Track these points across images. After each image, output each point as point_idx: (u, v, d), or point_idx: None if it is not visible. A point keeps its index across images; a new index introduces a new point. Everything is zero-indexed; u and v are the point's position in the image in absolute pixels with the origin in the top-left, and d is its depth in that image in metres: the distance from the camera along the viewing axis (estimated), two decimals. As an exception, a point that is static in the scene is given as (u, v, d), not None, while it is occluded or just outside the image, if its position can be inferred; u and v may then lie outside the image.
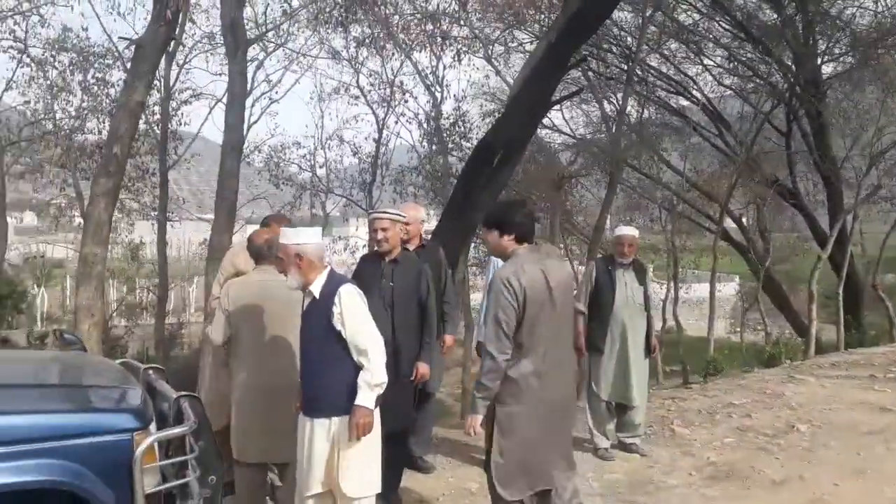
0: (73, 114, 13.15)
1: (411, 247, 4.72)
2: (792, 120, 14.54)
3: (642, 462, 5.32)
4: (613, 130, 11.75)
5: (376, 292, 4.28)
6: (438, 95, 14.35)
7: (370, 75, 14.89)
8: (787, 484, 4.76)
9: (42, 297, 16.96)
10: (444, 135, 13.70)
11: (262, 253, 3.83)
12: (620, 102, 12.55)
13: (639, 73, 13.36)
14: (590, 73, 12.50)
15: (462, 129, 13.95)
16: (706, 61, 15.31)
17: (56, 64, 12.87)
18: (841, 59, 14.04)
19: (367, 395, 3.14)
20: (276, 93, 15.90)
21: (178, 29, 10.47)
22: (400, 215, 4.43)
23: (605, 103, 13.83)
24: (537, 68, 6.07)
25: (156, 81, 13.44)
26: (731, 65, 15.46)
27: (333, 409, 3.20)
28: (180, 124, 14.58)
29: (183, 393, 2.77)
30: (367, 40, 13.10)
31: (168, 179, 13.93)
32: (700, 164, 15.80)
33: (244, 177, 17.67)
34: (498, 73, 13.43)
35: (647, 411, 5.84)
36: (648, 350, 5.48)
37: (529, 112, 6.16)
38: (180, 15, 6.13)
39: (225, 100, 9.08)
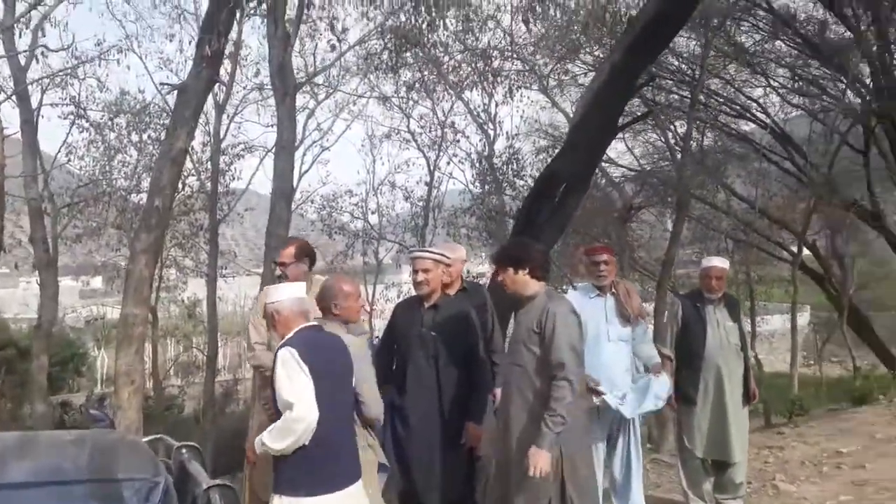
0: (128, 174, 13.26)
1: (452, 290, 4.18)
2: (869, 137, 13.63)
3: (748, 528, 4.62)
4: (679, 158, 11.12)
5: (416, 342, 3.82)
6: (491, 133, 14.11)
7: (420, 118, 14.80)
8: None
9: (102, 359, 17.10)
10: (498, 173, 13.35)
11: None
12: (683, 130, 11.99)
13: (701, 98, 12.81)
14: (650, 102, 11.98)
15: (515, 167, 13.60)
16: (772, 82, 14.65)
17: (114, 126, 13.02)
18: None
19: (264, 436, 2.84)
20: (327, 140, 15.85)
21: (223, 73, 10.36)
22: (444, 255, 3.98)
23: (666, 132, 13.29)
24: (601, 92, 5.60)
25: (207, 137, 13.53)
26: (797, 84, 14.75)
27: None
28: (233, 179, 14.61)
29: (215, 483, 2.33)
30: (416, 84, 12.95)
31: (218, 234, 13.87)
32: (770, 189, 14.99)
33: (297, 227, 17.62)
34: (554, 104, 13.07)
35: (742, 464, 5.12)
36: (747, 398, 4.79)
37: (596, 138, 5.68)
38: (223, 57, 5.90)
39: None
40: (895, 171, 13.27)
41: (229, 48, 11.10)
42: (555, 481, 3.26)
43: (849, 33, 12.74)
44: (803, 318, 22.39)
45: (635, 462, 4.30)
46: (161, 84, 11.02)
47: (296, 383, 2.79)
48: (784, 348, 17.19)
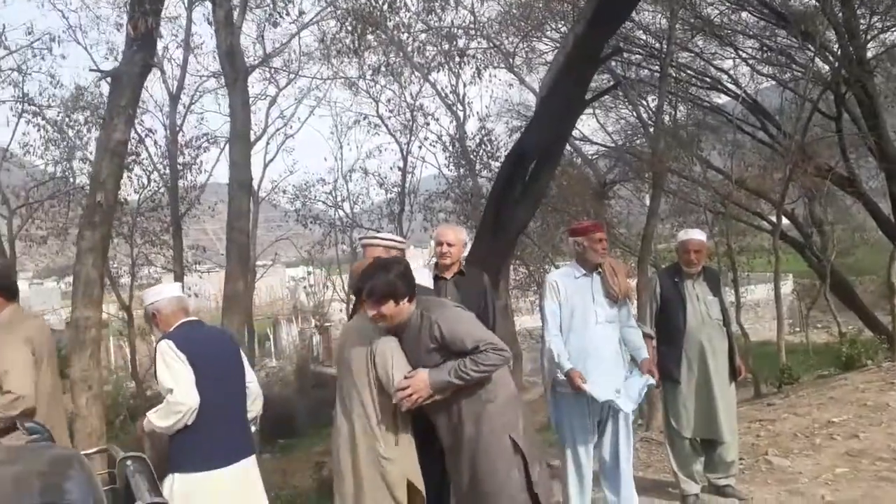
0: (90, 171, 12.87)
1: (449, 274, 3.91)
2: (840, 104, 13.56)
3: (742, 508, 4.45)
4: (652, 133, 10.97)
5: None
6: (461, 115, 13.89)
7: (388, 102, 14.55)
8: (932, 526, 3.88)
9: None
10: (472, 156, 13.14)
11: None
12: (654, 104, 11.85)
13: (671, 72, 12.65)
14: (620, 76, 11.80)
15: (489, 148, 13.40)
16: (741, 53, 14.54)
17: (72, 123, 12.62)
18: (889, 32, 13.10)
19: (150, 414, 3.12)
20: (291, 128, 15.52)
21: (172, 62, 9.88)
22: (397, 240, 3.69)
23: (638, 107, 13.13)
24: (567, 64, 5.38)
25: (165, 131, 13.16)
26: (766, 55, 14.65)
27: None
28: (200, 172, 14.29)
29: (155, 500, 2.11)
30: (382, 66, 12.66)
31: (186, 229, 13.59)
32: (746, 160, 14.89)
33: (269, 219, 17.26)
34: (522, 81, 12.88)
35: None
36: (734, 374, 4.59)
37: (564, 111, 5.45)
38: (156, 39, 5.57)
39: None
40: (867, 136, 13.21)
41: (178, 34, 10.73)
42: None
43: (814, 0, 12.64)
44: (786, 287, 22.49)
45: (625, 445, 4.07)
46: (90, 70, 10.36)
47: (173, 370, 3.03)
48: (770, 316, 17.21)
